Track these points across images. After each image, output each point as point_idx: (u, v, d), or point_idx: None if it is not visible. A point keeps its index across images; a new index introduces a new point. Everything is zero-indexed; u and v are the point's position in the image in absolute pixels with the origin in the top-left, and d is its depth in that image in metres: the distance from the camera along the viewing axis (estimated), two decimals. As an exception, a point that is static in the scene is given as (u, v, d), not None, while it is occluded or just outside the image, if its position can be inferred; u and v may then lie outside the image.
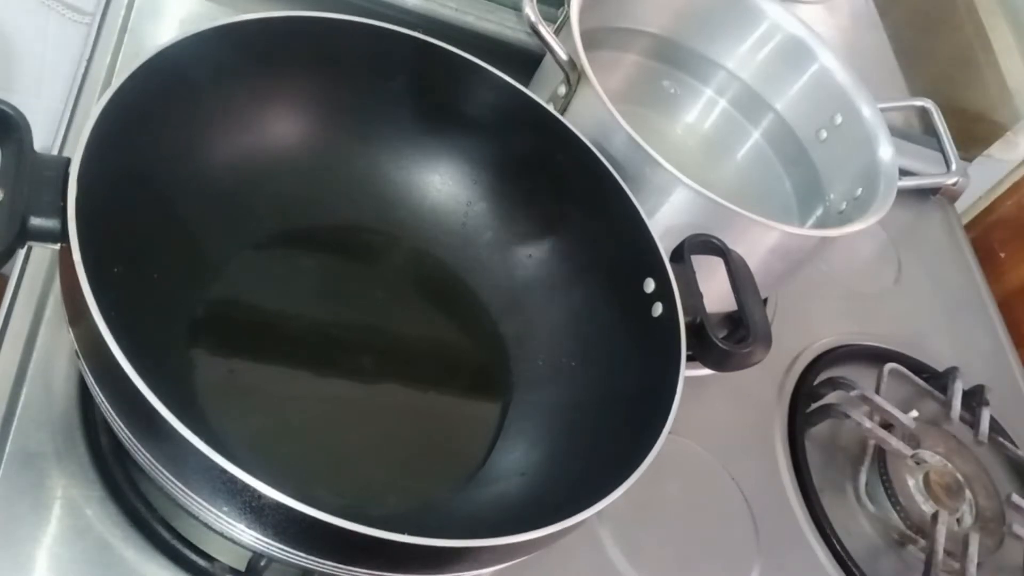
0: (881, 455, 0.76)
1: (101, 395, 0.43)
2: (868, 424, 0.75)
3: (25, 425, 0.52)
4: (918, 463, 0.77)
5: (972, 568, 0.71)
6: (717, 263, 0.58)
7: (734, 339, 0.55)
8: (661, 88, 0.82)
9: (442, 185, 0.65)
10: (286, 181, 0.60)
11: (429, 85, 0.61)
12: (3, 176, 0.42)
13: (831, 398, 0.79)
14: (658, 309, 0.56)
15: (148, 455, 0.42)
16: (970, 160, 1.07)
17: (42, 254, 0.58)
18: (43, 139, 0.61)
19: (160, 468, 0.42)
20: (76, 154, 0.43)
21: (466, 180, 0.65)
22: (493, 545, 0.42)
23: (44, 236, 0.42)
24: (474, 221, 0.65)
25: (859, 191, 0.74)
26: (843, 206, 0.75)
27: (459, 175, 0.65)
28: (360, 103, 0.61)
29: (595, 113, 0.62)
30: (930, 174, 0.95)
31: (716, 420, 0.74)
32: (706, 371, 0.59)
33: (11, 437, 0.51)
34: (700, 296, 0.56)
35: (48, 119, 0.63)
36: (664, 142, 0.81)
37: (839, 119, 0.77)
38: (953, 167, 0.87)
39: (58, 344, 0.55)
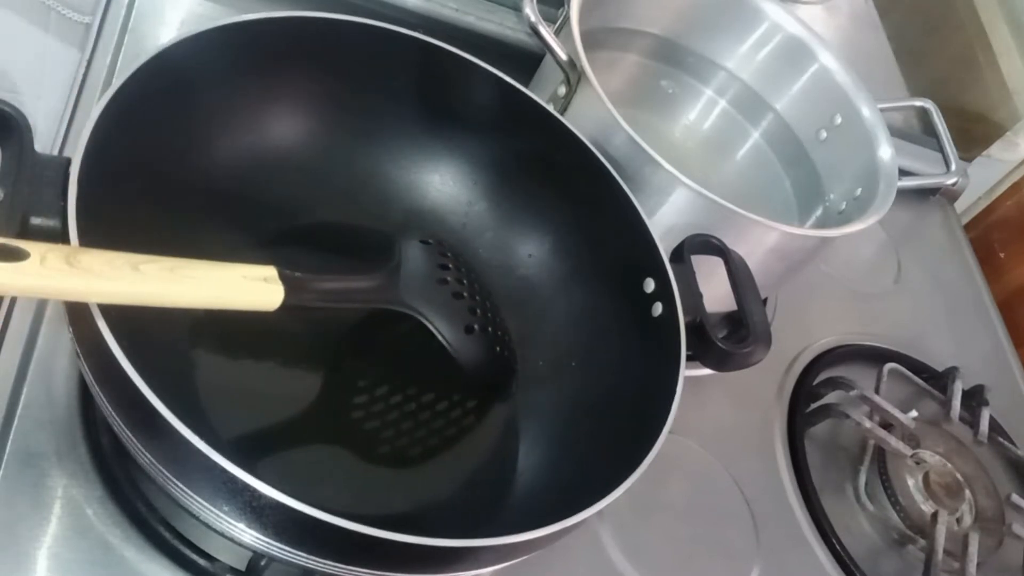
0: (881, 455, 0.76)
1: (101, 395, 0.43)
2: (868, 424, 0.75)
3: (25, 425, 0.52)
4: (918, 463, 0.77)
5: (972, 568, 0.71)
6: (717, 263, 0.58)
7: (734, 339, 0.55)
8: (661, 88, 0.82)
9: (442, 185, 0.65)
10: (287, 181, 0.60)
11: (429, 85, 0.61)
12: (4, 176, 0.42)
13: (831, 398, 0.79)
14: (658, 309, 0.56)
15: (148, 455, 0.42)
16: (970, 160, 1.07)
17: (42, 254, 0.57)
18: (44, 139, 0.62)
19: (160, 468, 0.42)
20: (76, 154, 0.43)
21: (466, 180, 0.65)
22: (493, 545, 0.42)
23: (45, 236, 0.42)
24: (474, 221, 0.65)
25: (859, 191, 0.74)
26: (843, 206, 0.75)
27: (459, 175, 0.65)
28: (360, 103, 0.61)
29: (595, 113, 0.62)
30: (930, 174, 0.95)
31: (716, 420, 0.74)
32: (706, 371, 0.59)
33: (11, 437, 0.51)
34: (700, 296, 0.56)
35: (49, 119, 0.63)
36: (664, 142, 0.81)
37: (839, 119, 0.77)
38: (953, 167, 0.87)
39: (58, 344, 0.55)
